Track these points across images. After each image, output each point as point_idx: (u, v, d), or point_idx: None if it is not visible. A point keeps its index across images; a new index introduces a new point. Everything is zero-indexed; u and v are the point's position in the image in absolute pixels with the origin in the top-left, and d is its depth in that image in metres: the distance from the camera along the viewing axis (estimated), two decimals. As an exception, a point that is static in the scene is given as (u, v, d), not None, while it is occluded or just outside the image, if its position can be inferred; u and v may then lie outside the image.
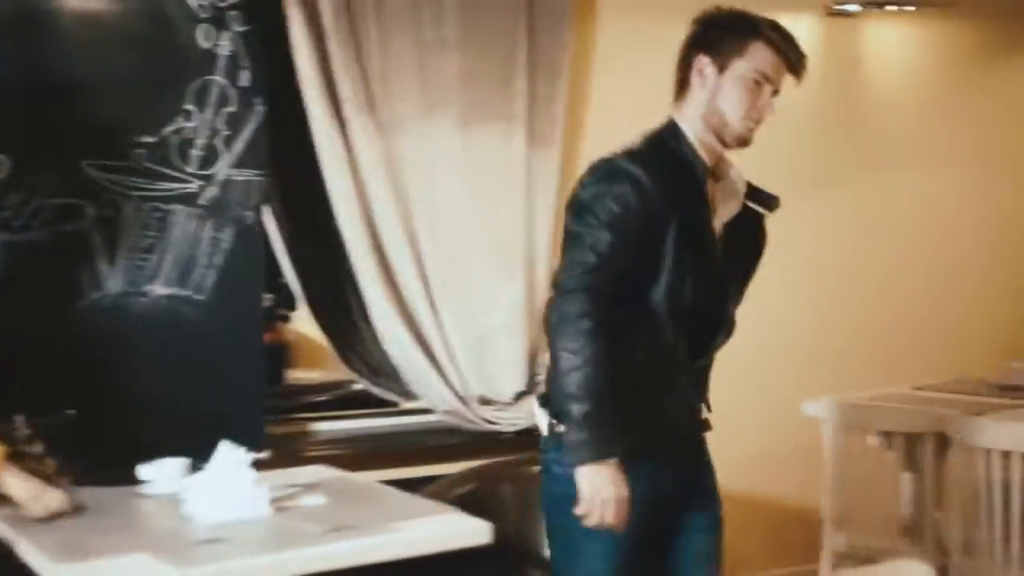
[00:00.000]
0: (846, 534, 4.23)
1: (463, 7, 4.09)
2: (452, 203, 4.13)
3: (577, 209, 2.71)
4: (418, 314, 4.08)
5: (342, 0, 3.89)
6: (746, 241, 2.90)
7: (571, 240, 2.70)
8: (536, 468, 2.92)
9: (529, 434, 4.11)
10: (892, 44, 5.36)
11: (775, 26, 2.81)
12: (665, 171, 2.72)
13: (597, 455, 2.58)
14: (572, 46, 4.30)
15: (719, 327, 2.84)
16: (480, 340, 4.18)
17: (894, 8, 5.22)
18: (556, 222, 4.21)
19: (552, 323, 2.63)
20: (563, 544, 2.77)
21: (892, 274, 5.36)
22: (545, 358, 4.17)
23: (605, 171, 2.73)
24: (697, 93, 2.80)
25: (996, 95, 5.80)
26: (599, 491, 2.58)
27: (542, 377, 4.19)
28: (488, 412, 4.20)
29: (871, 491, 4.19)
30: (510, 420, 4.24)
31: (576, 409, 2.58)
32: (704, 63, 2.79)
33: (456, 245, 4.14)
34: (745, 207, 2.88)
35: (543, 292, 4.18)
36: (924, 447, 4.09)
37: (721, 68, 2.78)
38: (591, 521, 2.59)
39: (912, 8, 5.27)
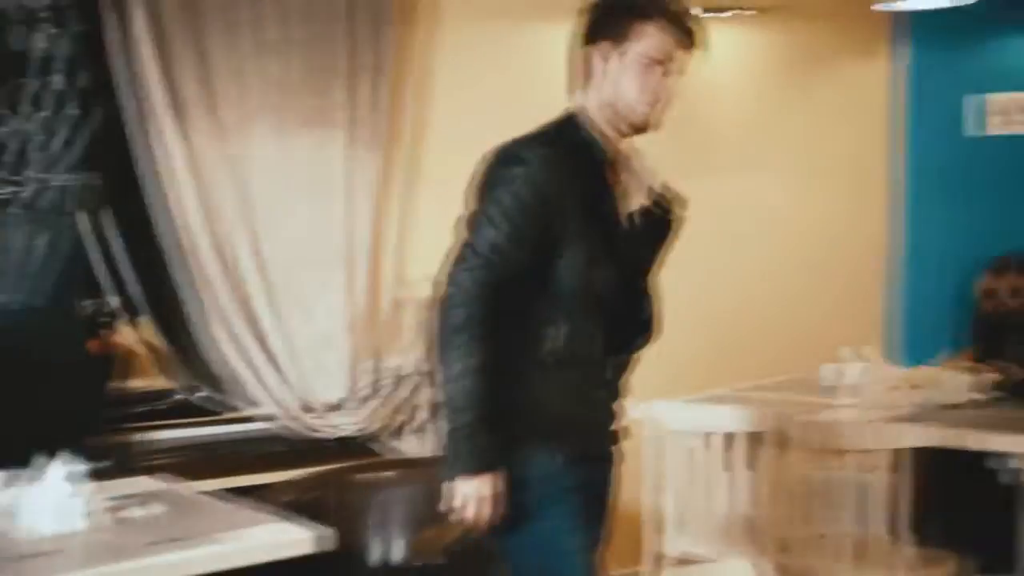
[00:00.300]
0: (673, 536, 4.29)
1: (284, 13, 4.08)
2: (282, 208, 4.11)
3: (476, 197, 2.69)
4: (252, 320, 4.07)
5: (164, 5, 3.84)
6: (656, 233, 2.88)
7: (467, 229, 2.67)
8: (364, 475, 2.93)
9: (354, 441, 4.15)
10: (725, 48, 5.48)
11: (664, 5, 2.79)
12: (565, 156, 2.71)
13: (469, 469, 2.58)
14: (395, 50, 4.31)
15: (636, 320, 2.83)
16: (304, 347, 4.18)
17: (729, 13, 5.33)
18: (377, 226, 4.26)
19: (436, 328, 2.60)
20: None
21: (719, 275, 5.48)
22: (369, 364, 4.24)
23: (503, 158, 2.70)
24: (595, 81, 2.78)
25: (824, 99, 6.01)
26: (469, 505, 2.60)
27: (364, 384, 4.23)
28: (317, 419, 4.20)
29: (697, 492, 4.26)
30: (337, 426, 4.23)
31: (449, 422, 2.58)
32: (599, 50, 2.77)
33: (284, 252, 4.12)
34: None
35: (364, 299, 4.23)
36: (749, 447, 4.17)
37: (615, 54, 2.76)
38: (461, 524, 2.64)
39: (751, 12, 5.38)
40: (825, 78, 6.06)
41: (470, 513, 2.59)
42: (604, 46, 2.76)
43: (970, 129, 5.97)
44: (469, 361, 2.55)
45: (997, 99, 5.88)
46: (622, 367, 2.85)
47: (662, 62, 2.75)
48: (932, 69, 6.10)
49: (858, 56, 6.19)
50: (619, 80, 2.76)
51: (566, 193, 2.66)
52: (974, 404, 4.38)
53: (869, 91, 6.21)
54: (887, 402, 4.36)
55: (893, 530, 3.82)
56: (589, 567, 2.76)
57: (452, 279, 2.60)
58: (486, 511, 2.60)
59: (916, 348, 5.56)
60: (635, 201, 2.83)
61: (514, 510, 2.65)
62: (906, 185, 6.22)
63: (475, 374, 2.54)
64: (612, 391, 2.84)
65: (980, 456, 3.90)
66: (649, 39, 2.74)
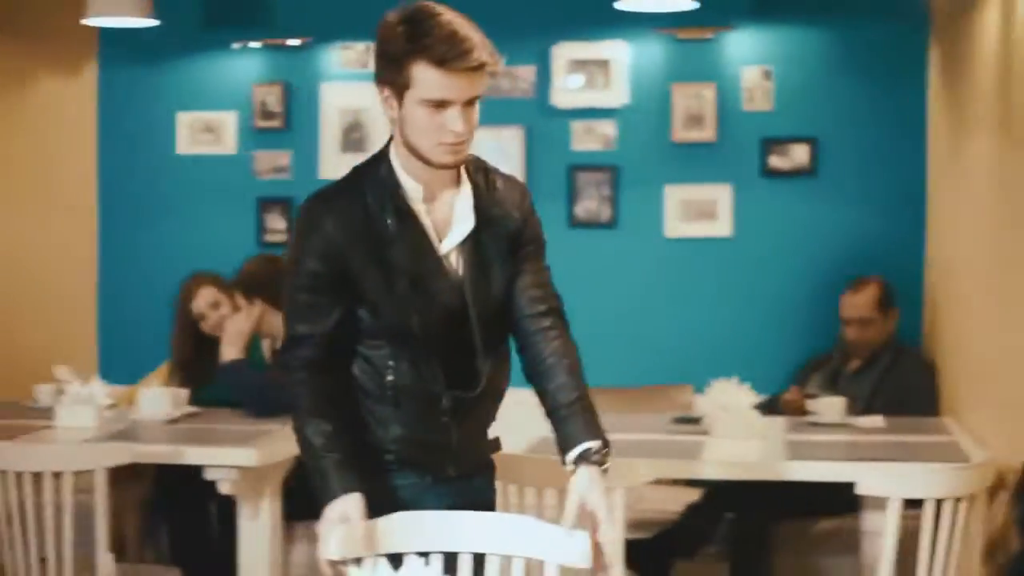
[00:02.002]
0: None
1: None
2: None
3: (288, 265, 2.79)
4: None
5: None
6: (490, 258, 2.80)
7: (285, 301, 2.80)
8: None
9: None
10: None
11: (439, 32, 2.59)
12: (362, 207, 2.71)
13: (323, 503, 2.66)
14: None
15: (474, 352, 2.77)
16: None
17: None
18: None
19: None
20: None
21: None
22: None
23: (298, 224, 2.75)
24: (391, 123, 2.73)
25: (28, 118, 6.19)
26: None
27: None
28: None
29: None
30: None
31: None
32: (384, 95, 2.69)
33: None
34: (482, 223, 2.78)
35: None
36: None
37: (397, 99, 2.65)
38: None
39: None
40: (30, 97, 6.22)
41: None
42: (390, 90, 2.66)
43: (170, 147, 6.43)
44: (304, 435, 2.74)
45: (190, 117, 6.41)
46: (466, 402, 2.80)
47: (450, 101, 2.62)
48: (131, 86, 6.44)
49: (64, 73, 6.40)
50: (409, 126, 2.66)
51: (368, 245, 2.70)
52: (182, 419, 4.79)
53: (76, 109, 6.43)
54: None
55: (118, 548, 4.10)
56: None
57: (281, 361, 2.82)
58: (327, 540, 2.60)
59: (126, 366, 5.88)
60: (460, 231, 2.77)
61: None
62: (101, 204, 6.52)
63: (309, 443, 2.72)
64: (461, 419, 2.80)
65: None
66: (426, 80, 2.60)
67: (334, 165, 6.22)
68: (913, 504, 3.52)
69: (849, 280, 5.40)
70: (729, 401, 4.53)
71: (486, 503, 2.90)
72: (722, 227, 6.05)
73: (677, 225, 6.08)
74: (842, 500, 4.17)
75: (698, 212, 6.07)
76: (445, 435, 2.79)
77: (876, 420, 4.74)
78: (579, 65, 6.14)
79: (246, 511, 4.37)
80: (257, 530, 4.38)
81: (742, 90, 6.02)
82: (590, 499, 2.57)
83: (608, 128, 6.12)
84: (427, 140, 2.64)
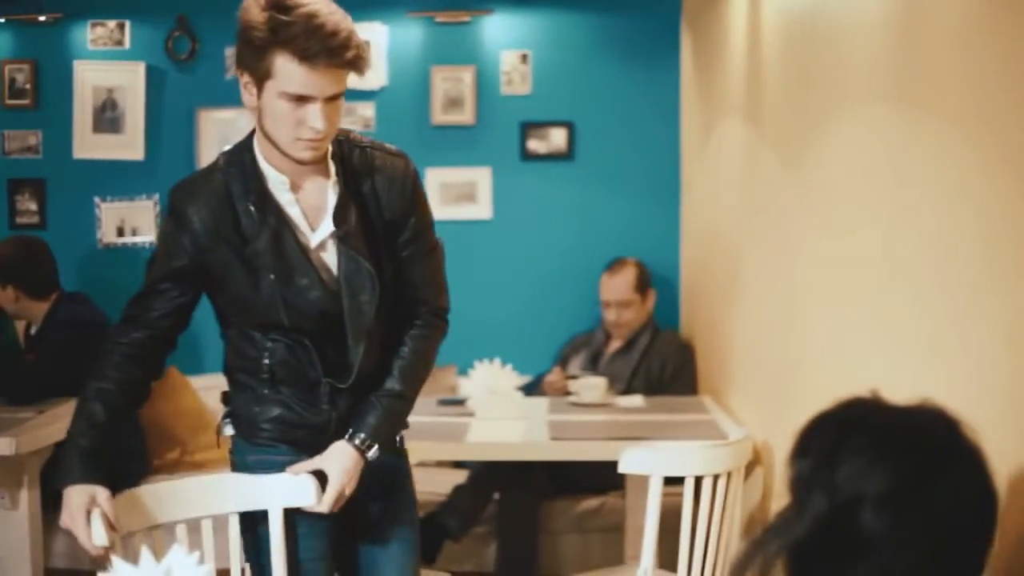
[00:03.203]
0: None
1: None
2: None
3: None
4: None
5: None
6: (365, 249, 2.70)
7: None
8: None
9: None
10: None
11: (304, 24, 2.47)
12: (219, 198, 2.65)
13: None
14: None
15: (346, 346, 2.71)
16: None
17: None
18: None
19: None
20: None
21: None
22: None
23: (167, 214, 2.74)
24: (250, 111, 2.61)
25: None
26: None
27: None
28: None
29: None
30: None
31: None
32: (243, 81, 2.58)
33: None
34: (360, 201, 2.70)
35: None
36: None
37: (257, 88, 2.55)
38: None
39: None
40: None
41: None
42: (246, 77, 2.57)
43: None
44: (87, 398, 2.76)
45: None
46: (343, 390, 2.76)
47: (310, 96, 2.53)
48: None
49: None
50: (268, 119, 2.57)
51: (215, 239, 2.65)
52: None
53: None
54: None
55: None
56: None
57: (123, 314, 2.85)
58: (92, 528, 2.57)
59: None
60: (325, 228, 2.69)
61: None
62: None
63: (87, 410, 2.74)
64: (339, 403, 2.77)
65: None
66: (288, 73, 2.50)
67: (87, 144, 6.09)
68: (674, 481, 3.65)
69: (608, 263, 5.54)
70: (492, 383, 4.61)
71: (380, 478, 2.87)
72: (482, 210, 6.13)
73: (437, 208, 6.10)
74: (605, 478, 4.30)
75: (458, 195, 6.13)
76: (324, 418, 2.79)
77: (636, 400, 4.89)
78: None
79: (3, 501, 4.25)
80: (16, 520, 4.28)
81: (501, 74, 6.10)
82: (325, 464, 2.73)
83: (367, 110, 6.12)
84: (285, 134, 2.56)
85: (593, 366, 5.34)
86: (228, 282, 2.69)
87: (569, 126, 6.10)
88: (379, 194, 2.73)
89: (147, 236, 6.13)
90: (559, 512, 4.89)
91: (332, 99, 2.55)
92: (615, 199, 6.07)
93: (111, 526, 2.58)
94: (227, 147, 2.76)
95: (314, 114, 2.52)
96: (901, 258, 2.61)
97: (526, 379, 5.05)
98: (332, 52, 2.49)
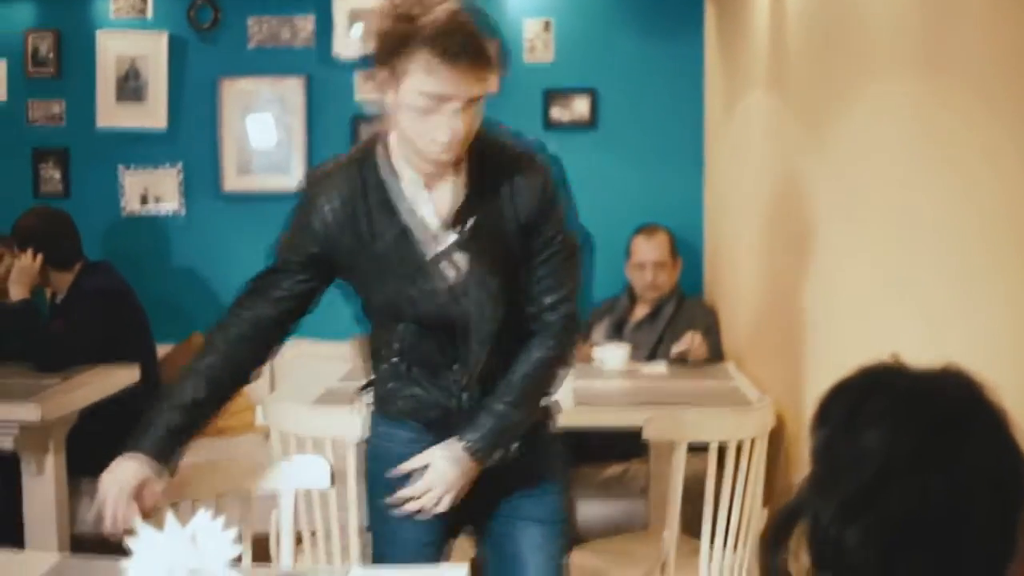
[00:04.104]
0: None
1: None
2: None
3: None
4: None
5: None
6: (493, 256, 2.61)
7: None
8: None
9: None
10: None
11: (444, 24, 2.38)
12: (360, 193, 2.57)
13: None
14: None
15: (473, 344, 2.64)
16: None
17: None
18: None
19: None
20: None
21: None
22: None
23: (299, 199, 2.65)
24: (387, 109, 2.50)
25: None
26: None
27: None
28: None
29: None
30: None
31: None
32: (379, 78, 2.46)
33: None
34: (490, 202, 2.60)
35: None
36: None
37: (395, 86, 2.44)
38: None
39: None
40: None
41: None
42: (383, 74, 2.45)
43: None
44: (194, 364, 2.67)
45: None
46: (474, 382, 2.70)
47: (447, 97, 2.40)
48: None
49: None
50: (402, 122, 2.46)
51: (343, 231, 2.58)
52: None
53: None
54: None
55: None
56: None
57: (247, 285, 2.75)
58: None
59: None
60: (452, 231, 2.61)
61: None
62: None
63: (186, 380, 2.67)
64: (471, 389, 2.70)
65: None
66: (423, 74, 2.39)
67: (110, 113, 6.10)
68: (698, 448, 3.65)
69: (637, 227, 5.50)
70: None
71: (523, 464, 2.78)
72: (505, 178, 6.10)
73: (461, 176, 6.12)
74: (629, 445, 4.30)
75: (481, 163, 6.10)
76: (454, 404, 2.71)
77: (659, 367, 4.88)
78: (360, 15, 6.09)
79: (29, 468, 4.28)
80: (42, 487, 4.30)
81: (524, 41, 6.08)
82: (431, 456, 2.66)
83: (390, 79, 6.09)
84: (420, 135, 2.44)
85: (617, 334, 5.33)
86: (355, 273, 2.66)
87: (592, 94, 6.08)
88: (514, 195, 2.61)
89: (170, 204, 6.15)
90: (582, 479, 4.89)
91: (472, 101, 2.43)
92: (638, 167, 6.05)
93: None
94: (361, 140, 2.75)
95: (452, 116, 2.41)
96: (926, 226, 2.59)
97: (548, 347, 5.03)
98: (473, 51, 2.39)
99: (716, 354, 5.17)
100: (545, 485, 2.84)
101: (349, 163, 2.62)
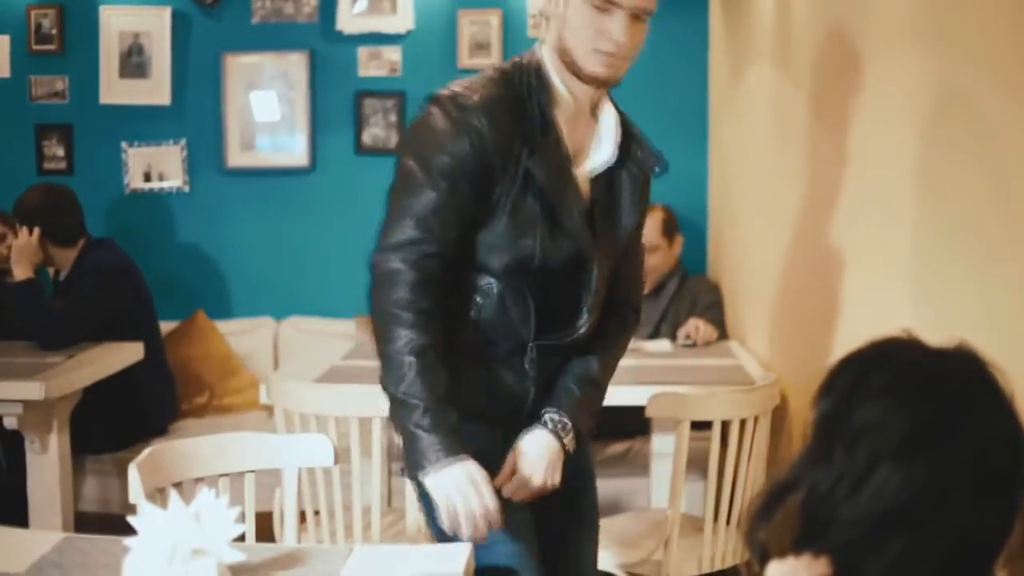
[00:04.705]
0: None
1: None
2: None
3: (402, 159, 2.46)
4: None
5: None
6: (621, 201, 2.61)
7: (393, 196, 2.47)
8: None
9: None
10: None
11: None
12: (511, 111, 2.45)
13: (441, 456, 2.36)
14: None
15: (580, 301, 2.57)
16: None
17: None
18: None
19: (372, 310, 2.45)
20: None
21: None
22: None
23: (440, 114, 2.43)
24: (551, 24, 2.50)
25: None
26: (453, 497, 2.37)
27: None
28: None
29: None
30: None
31: (404, 413, 2.38)
32: None
33: None
34: (621, 160, 2.59)
35: None
36: None
37: None
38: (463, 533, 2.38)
39: None
40: None
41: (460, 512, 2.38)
42: None
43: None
44: (410, 346, 2.39)
45: None
46: (553, 352, 2.60)
47: (620, 4, 2.42)
48: None
49: None
50: (570, 25, 2.45)
51: (510, 154, 2.44)
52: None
53: None
54: None
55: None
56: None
57: (382, 255, 2.47)
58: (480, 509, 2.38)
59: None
60: (599, 158, 2.58)
61: None
62: None
63: (421, 358, 2.40)
64: (543, 371, 2.60)
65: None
66: None
67: (113, 89, 6.08)
68: (701, 426, 3.65)
69: (634, 208, 5.49)
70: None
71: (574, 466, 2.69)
72: (510, 154, 6.09)
73: (464, 152, 6.11)
74: (632, 423, 4.30)
75: (485, 139, 6.10)
76: (525, 387, 2.61)
77: (663, 344, 4.88)
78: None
79: (34, 446, 4.29)
80: (46, 465, 4.32)
81: (528, 16, 6.05)
82: (522, 445, 2.57)
83: (393, 54, 6.09)
84: (583, 43, 2.44)
85: (620, 312, 5.32)
86: (491, 207, 2.48)
87: (596, 70, 6.05)
88: (645, 153, 2.65)
89: (174, 181, 6.14)
90: (586, 457, 4.89)
91: (638, 17, 2.46)
92: (642, 144, 6.02)
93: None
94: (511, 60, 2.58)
95: (618, 25, 2.42)
96: (936, 202, 2.58)
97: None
98: None
99: (719, 326, 5.16)
100: (588, 480, 2.87)
101: (500, 79, 2.51)
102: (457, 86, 2.49)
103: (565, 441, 2.60)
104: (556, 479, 2.59)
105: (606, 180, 2.61)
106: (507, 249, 2.50)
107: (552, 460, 2.58)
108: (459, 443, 2.39)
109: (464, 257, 2.50)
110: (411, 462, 2.41)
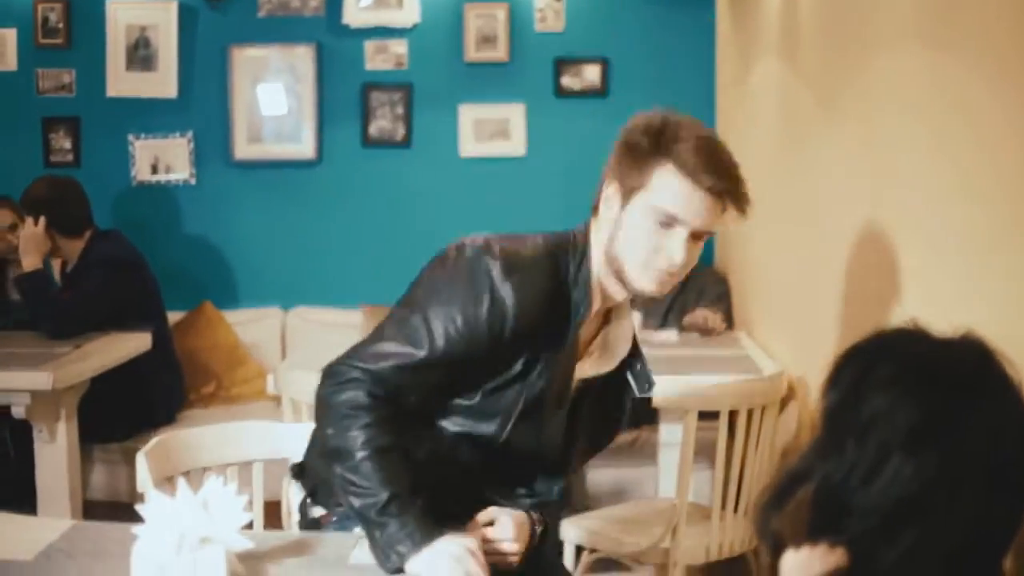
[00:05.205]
0: None
1: None
2: None
3: (421, 295, 2.28)
4: None
5: None
6: (604, 406, 2.49)
7: (394, 324, 2.28)
8: None
9: None
10: None
11: (695, 142, 2.22)
12: (540, 298, 2.24)
13: (423, 539, 2.17)
14: None
15: (533, 481, 2.44)
16: None
17: None
18: None
19: (325, 404, 2.24)
20: None
21: None
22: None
23: (472, 278, 2.24)
24: (604, 223, 2.30)
25: None
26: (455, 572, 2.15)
27: None
28: None
29: None
30: None
31: (370, 501, 2.19)
32: (609, 191, 2.28)
33: None
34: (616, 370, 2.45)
35: None
36: None
37: (624, 200, 2.26)
38: None
39: None
40: None
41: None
42: (615, 186, 2.27)
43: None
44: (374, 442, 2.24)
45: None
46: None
47: (682, 221, 2.23)
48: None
49: None
50: (625, 235, 2.26)
51: (523, 339, 2.26)
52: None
53: None
54: None
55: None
56: None
57: (361, 366, 2.26)
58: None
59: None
60: (600, 365, 2.43)
61: None
62: None
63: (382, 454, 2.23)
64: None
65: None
66: (669, 188, 2.22)
67: (120, 82, 6.08)
68: (708, 415, 3.64)
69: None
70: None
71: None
72: (516, 146, 6.10)
73: (471, 144, 6.10)
74: (639, 412, 4.29)
75: (492, 131, 6.10)
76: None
77: (671, 335, 4.87)
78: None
79: (42, 435, 4.29)
80: (54, 454, 4.31)
81: (535, 11, 6.05)
82: (493, 511, 2.39)
83: (400, 47, 6.08)
84: (638, 257, 2.25)
85: (628, 302, 5.30)
86: (478, 377, 2.32)
87: (603, 63, 6.05)
88: (620, 390, 2.53)
89: (180, 174, 6.13)
90: (593, 446, 4.88)
91: (698, 237, 2.27)
92: (649, 135, 6.00)
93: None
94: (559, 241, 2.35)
95: (678, 243, 2.23)
96: (943, 193, 2.57)
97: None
98: (719, 173, 2.22)
99: (727, 323, 5.16)
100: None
101: (544, 259, 2.31)
102: (501, 250, 2.28)
103: (537, 526, 2.44)
104: (518, 550, 2.37)
105: (600, 389, 2.48)
106: (467, 423, 2.35)
107: (521, 531, 2.38)
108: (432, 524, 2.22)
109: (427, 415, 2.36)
110: (385, 554, 2.19)
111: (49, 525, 2.61)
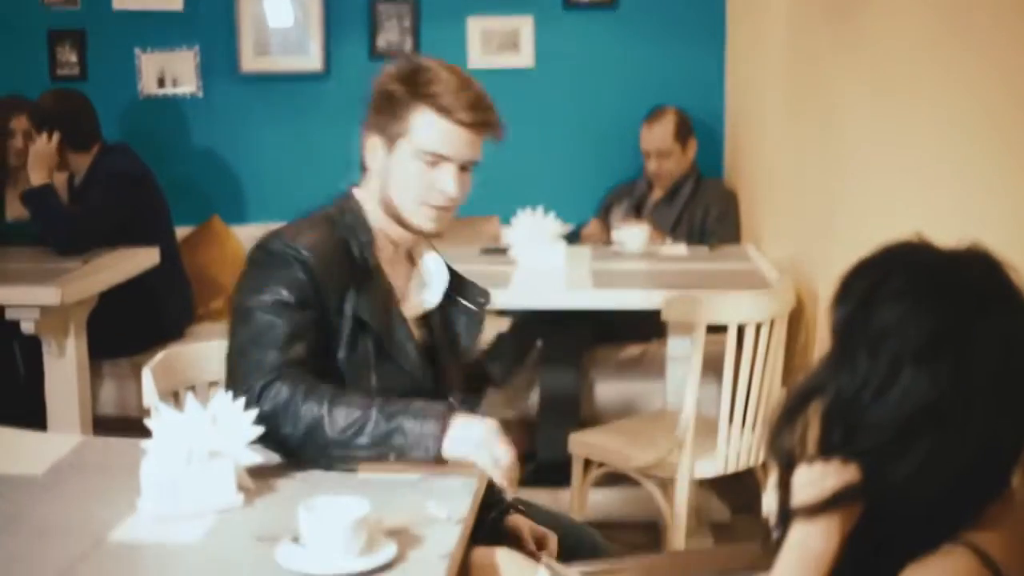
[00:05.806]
0: None
1: None
2: None
3: (240, 306, 2.36)
4: None
5: None
6: (459, 330, 2.57)
7: (242, 344, 2.33)
8: None
9: None
10: None
11: (447, 83, 2.38)
12: (336, 251, 2.40)
13: (438, 423, 2.23)
14: None
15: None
16: None
17: None
18: None
19: (264, 422, 2.20)
20: None
21: None
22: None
23: (265, 254, 2.39)
24: (372, 175, 2.47)
25: None
26: (483, 441, 2.23)
27: None
28: None
29: None
30: None
31: (370, 425, 2.23)
32: (370, 141, 2.44)
33: None
34: (449, 297, 2.56)
35: None
36: None
37: (388, 148, 2.42)
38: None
39: None
40: None
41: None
42: (375, 138, 2.43)
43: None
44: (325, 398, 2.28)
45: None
46: None
47: (449, 157, 2.39)
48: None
49: None
50: (395, 180, 2.42)
51: (336, 293, 2.37)
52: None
53: None
54: None
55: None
56: None
57: (252, 388, 2.26)
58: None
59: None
60: (424, 299, 2.54)
61: None
62: None
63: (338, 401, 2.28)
64: None
65: None
66: (429, 129, 2.38)
67: (126, -5, 6.02)
68: (716, 329, 3.64)
69: (648, 111, 5.46)
70: (535, 231, 4.59)
71: None
72: (524, 59, 6.03)
73: (479, 56, 6.04)
74: (647, 326, 4.29)
75: (499, 43, 6.04)
76: None
77: (679, 248, 4.86)
78: None
79: (51, 350, 4.29)
80: (63, 369, 4.32)
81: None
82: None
83: (407, -43, 6.01)
84: (411, 198, 2.42)
85: (636, 215, 5.30)
86: (331, 339, 2.42)
87: (612, -27, 5.98)
88: (468, 314, 2.61)
89: (188, 86, 6.09)
90: (601, 359, 4.89)
91: (464, 168, 2.42)
92: (659, 47, 5.94)
93: None
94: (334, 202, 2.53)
95: (447, 177, 2.39)
96: (955, 107, 2.55)
97: (569, 228, 5.02)
98: (475, 108, 2.37)
99: (732, 238, 5.14)
100: None
101: (321, 223, 2.48)
102: (282, 229, 2.47)
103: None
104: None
105: (441, 317, 2.58)
106: (350, 376, 2.41)
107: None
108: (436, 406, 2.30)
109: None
110: (417, 450, 2.25)
111: (59, 440, 2.62)
